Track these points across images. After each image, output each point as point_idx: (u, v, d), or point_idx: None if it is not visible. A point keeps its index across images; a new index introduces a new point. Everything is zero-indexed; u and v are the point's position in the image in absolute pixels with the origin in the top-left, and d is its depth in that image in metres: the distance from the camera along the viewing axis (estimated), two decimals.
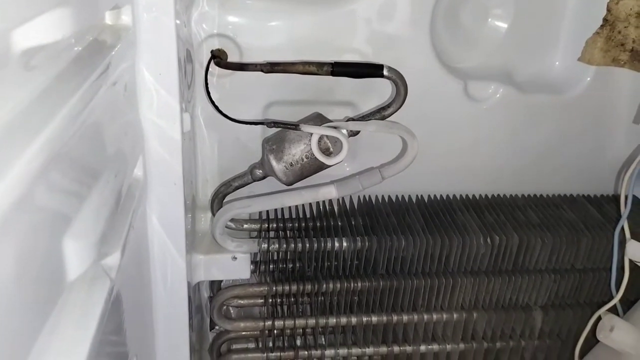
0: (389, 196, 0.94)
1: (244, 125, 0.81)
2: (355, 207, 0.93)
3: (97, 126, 0.48)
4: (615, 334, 0.79)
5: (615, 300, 0.86)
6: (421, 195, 0.95)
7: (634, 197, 0.95)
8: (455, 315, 0.90)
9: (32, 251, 0.34)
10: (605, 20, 0.87)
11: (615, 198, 0.88)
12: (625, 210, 0.82)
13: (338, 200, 0.93)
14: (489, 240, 0.85)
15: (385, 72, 0.77)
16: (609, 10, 0.86)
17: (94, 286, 0.43)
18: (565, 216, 0.91)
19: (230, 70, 0.80)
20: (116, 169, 0.51)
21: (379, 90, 0.86)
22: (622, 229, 0.83)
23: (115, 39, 0.54)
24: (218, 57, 0.78)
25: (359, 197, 0.93)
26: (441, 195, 0.95)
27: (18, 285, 0.32)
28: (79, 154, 0.44)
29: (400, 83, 0.78)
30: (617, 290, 0.85)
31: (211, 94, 0.78)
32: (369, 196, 0.93)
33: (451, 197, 0.95)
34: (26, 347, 0.34)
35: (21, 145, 0.32)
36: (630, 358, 0.78)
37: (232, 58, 0.81)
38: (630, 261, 0.82)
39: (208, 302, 0.95)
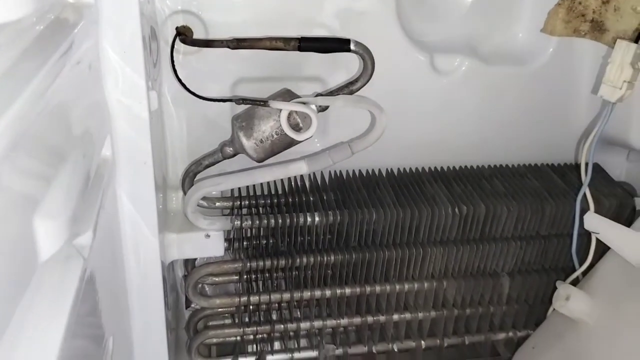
0: (360, 170, 0.95)
1: (213, 102, 0.81)
2: (327, 182, 0.94)
3: (62, 106, 0.48)
4: (571, 303, 0.82)
5: (579, 272, 0.89)
6: (391, 169, 0.96)
7: (595, 164, 0.98)
8: (426, 285, 0.92)
9: (2, 232, 0.34)
10: None
11: (578, 166, 0.90)
12: (585, 179, 0.84)
13: (309, 176, 0.93)
14: (456, 210, 0.87)
15: (352, 47, 0.77)
16: None
17: (68, 265, 0.43)
18: (530, 185, 0.94)
19: (196, 47, 0.79)
20: (84, 149, 0.50)
21: (347, 66, 0.87)
22: (584, 196, 0.85)
23: (78, 16, 0.53)
24: (183, 34, 0.77)
25: (330, 172, 0.94)
26: (410, 168, 0.96)
27: None
28: (45, 134, 0.43)
29: (367, 57, 0.78)
30: (579, 256, 0.88)
31: (178, 72, 0.78)
32: (340, 171, 0.94)
33: (420, 169, 0.96)
34: (0, 328, 0.34)
35: None
36: (585, 326, 0.81)
37: (198, 35, 0.80)
38: None
39: (183, 281, 0.95)
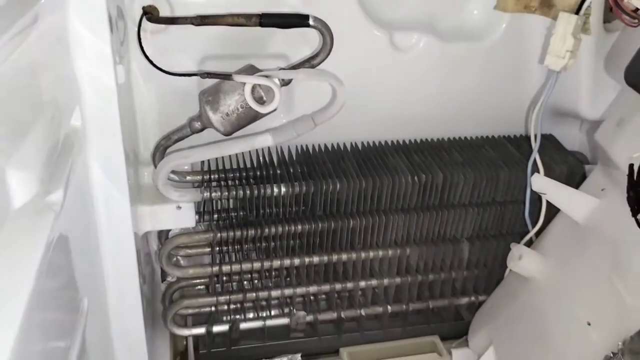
0: (325, 145, 0.99)
1: (182, 79, 0.85)
2: (294, 156, 0.98)
3: (28, 72, 0.51)
4: (523, 261, 0.88)
5: (532, 233, 0.95)
6: (355, 143, 1.00)
7: (550, 135, 1.04)
8: (390, 252, 0.97)
9: None
10: None
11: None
12: (535, 145, 0.90)
13: (277, 150, 0.97)
14: (416, 178, 0.92)
15: (311, 22, 0.81)
16: None
17: (40, 217, 0.47)
18: (486, 155, 0.99)
19: (163, 26, 0.83)
20: (52, 112, 0.54)
21: (310, 43, 0.90)
22: (535, 162, 0.90)
23: None
24: (149, 13, 0.80)
25: (296, 147, 0.98)
26: (374, 142, 1.01)
27: None
28: (10, 96, 0.47)
29: (326, 32, 0.82)
30: (532, 219, 0.93)
31: (145, 50, 0.81)
32: (306, 145, 0.98)
33: (383, 143, 1.01)
34: None
35: None
36: (536, 282, 0.87)
37: (164, 14, 0.84)
38: None
39: (158, 254, 0.99)
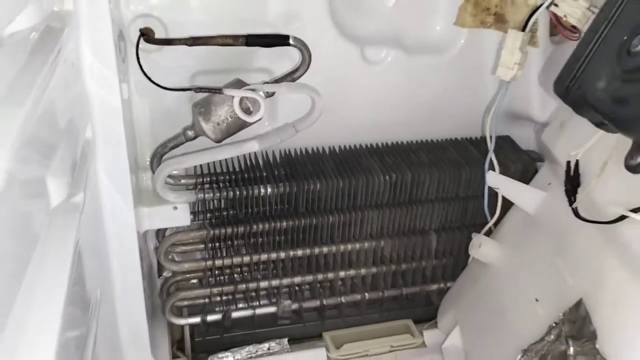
0: (305, 149, 1.09)
1: (175, 93, 0.94)
2: (278, 159, 1.08)
3: (56, 97, 0.61)
4: (482, 249, 0.99)
5: (490, 223, 1.06)
6: (333, 147, 1.11)
7: (507, 136, 1.16)
8: (366, 244, 1.07)
9: (29, 186, 0.47)
10: None
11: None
12: (491, 146, 1.01)
13: (262, 154, 1.07)
14: (387, 177, 1.03)
15: (291, 41, 0.92)
16: None
17: (69, 216, 0.57)
18: (450, 156, 1.10)
19: (158, 46, 0.92)
20: (73, 128, 0.64)
21: (291, 57, 1.01)
22: (491, 161, 1.02)
23: (62, 24, 0.66)
24: (146, 35, 0.90)
25: (280, 151, 1.08)
26: (350, 146, 1.11)
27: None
28: (47, 118, 0.56)
29: (304, 50, 0.93)
30: (491, 212, 1.05)
31: (143, 67, 0.91)
32: (288, 149, 1.09)
33: (357, 146, 1.11)
34: (30, 250, 0.48)
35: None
36: (494, 267, 0.99)
37: (159, 35, 0.93)
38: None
39: (154, 252, 1.08)
